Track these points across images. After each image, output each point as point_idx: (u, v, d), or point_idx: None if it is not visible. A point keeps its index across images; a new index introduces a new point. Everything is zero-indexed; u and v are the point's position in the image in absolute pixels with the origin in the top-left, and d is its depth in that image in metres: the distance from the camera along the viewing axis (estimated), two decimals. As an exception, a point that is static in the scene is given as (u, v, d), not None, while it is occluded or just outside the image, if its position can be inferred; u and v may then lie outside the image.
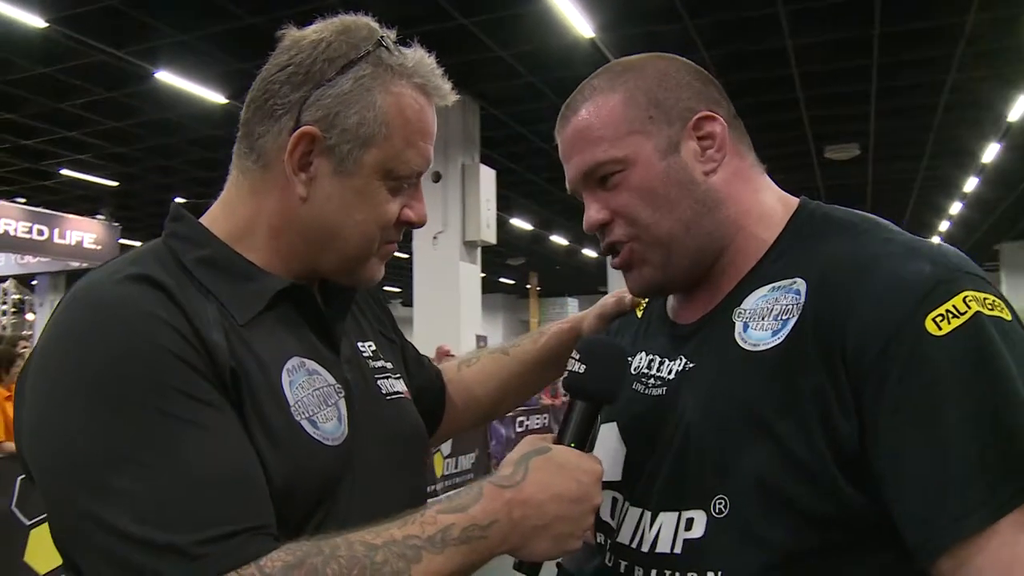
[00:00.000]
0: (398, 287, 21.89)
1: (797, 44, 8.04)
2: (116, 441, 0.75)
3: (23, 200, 14.37)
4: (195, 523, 0.73)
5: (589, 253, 21.09)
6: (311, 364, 0.93)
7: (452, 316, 9.63)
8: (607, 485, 0.98)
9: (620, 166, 0.95)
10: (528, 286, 25.35)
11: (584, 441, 0.92)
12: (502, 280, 26.53)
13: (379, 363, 1.07)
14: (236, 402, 0.83)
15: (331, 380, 0.94)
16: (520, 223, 17.07)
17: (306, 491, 0.85)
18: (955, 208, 16.88)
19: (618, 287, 1.21)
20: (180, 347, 0.79)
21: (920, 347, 0.77)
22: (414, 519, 0.80)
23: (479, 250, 10.02)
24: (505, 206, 14.27)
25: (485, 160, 10.02)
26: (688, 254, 0.96)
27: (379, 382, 1.04)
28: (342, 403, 0.94)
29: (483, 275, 10.81)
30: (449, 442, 8.98)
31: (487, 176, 9.84)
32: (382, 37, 0.95)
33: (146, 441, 0.75)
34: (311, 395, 0.90)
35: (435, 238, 9.55)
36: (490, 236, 9.87)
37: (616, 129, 0.95)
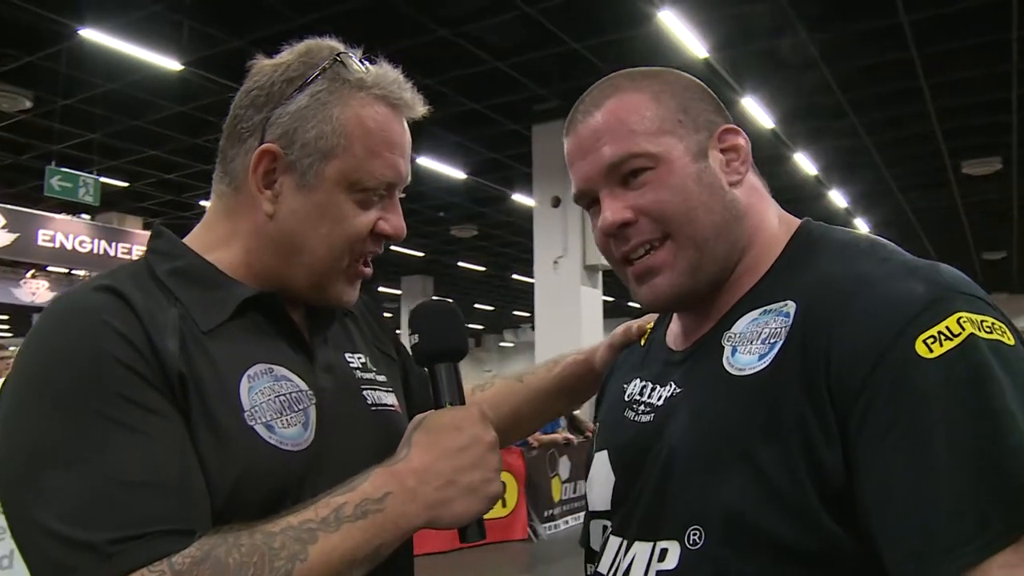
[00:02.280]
0: (527, 312, 21.96)
1: (924, 54, 7.66)
2: (53, 439, 0.78)
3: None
4: (115, 523, 0.76)
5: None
6: (280, 370, 0.93)
7: (574, 340, 9.52)
8: (598, 515, 0.99)
9: (651, 163, 0.91)
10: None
11: (458, 398, 0.94)
12: (631, 304, 26.24)
13: (369, 375, 1.07)
14: (184, 407, 0.84)
15: (302, 386, 0.95)
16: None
17: (259, 494, 0.86)
18: (1110, 223, 15.58)
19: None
20: (127, 355, 0.82)
21: (909, 371, 0.72)
22: (311, 506, 0.82)
23: (600, 274, 9.93)
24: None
25: (602, 183, 9.94)
26: (716, 260, 0.92)
27: (364, 392, 1.04)
28: (312, 409, 0.94)
29: (610, 299, 10.71)
30: (568, 466, 8.93)
31: (606, 199, 9.73)
32: (340, 54, 0.96)
33: (82, 441, 0.78)
34: (272, 401, 0.90)
35: (555, 263, 9.58)
36: (611, 260, 9.76)
37: (649, 125, 0.92)
